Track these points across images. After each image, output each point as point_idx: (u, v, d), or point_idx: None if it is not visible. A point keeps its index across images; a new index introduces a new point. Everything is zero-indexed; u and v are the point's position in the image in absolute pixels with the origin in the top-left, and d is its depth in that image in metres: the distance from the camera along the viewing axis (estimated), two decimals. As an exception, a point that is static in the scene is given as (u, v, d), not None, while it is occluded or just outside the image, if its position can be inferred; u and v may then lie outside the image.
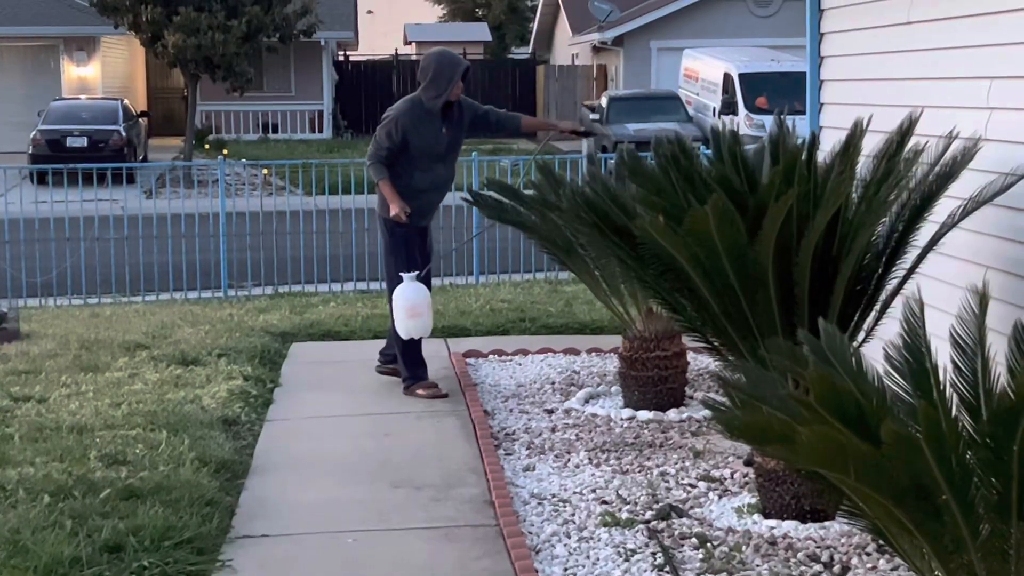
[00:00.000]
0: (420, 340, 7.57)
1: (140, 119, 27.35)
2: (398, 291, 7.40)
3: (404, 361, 7.59)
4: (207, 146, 28.64)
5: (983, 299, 3.85)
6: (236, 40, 24.44)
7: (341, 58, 38.11)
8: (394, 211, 7.38)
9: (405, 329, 7.40)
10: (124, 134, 24.52)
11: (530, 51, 45.04)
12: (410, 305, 7.36)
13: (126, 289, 12.10)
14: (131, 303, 11.55)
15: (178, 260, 12.42)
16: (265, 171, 19.31)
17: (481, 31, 45.91)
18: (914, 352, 3.68)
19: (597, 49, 35.61)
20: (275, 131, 34.34)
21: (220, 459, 6.08)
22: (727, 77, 26.44)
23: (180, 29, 24.05)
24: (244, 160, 19.47)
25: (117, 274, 12.20)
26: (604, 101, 28.12)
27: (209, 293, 12.09)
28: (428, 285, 7.63)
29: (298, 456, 6.46)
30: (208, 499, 5.49)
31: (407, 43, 46.67)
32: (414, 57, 41.73)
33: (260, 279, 12.39)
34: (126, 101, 26.98)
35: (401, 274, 7.38)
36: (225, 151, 25.46)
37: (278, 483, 6.00)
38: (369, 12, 55.17)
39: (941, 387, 3.54)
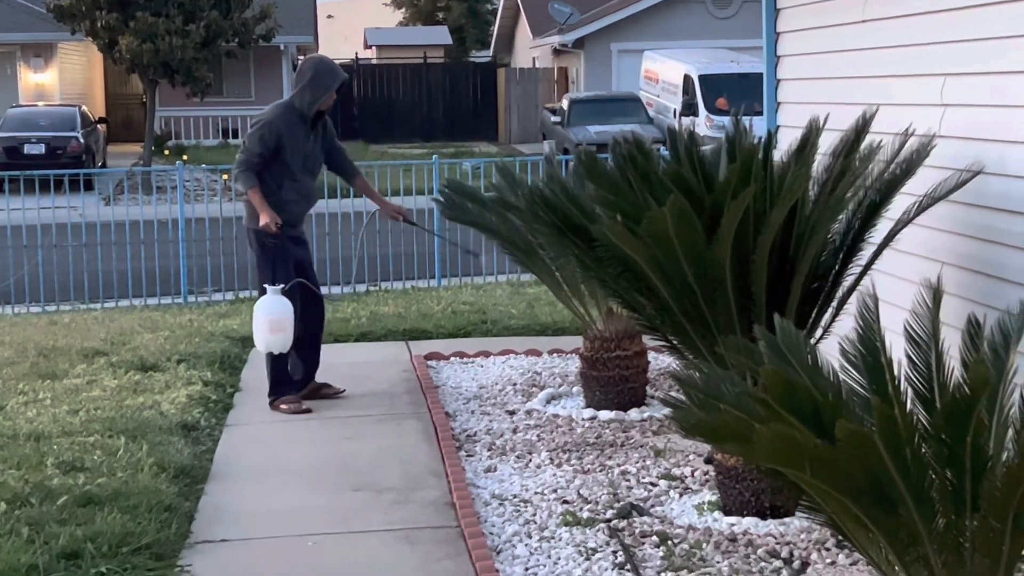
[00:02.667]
0: (288, 355, 7.31)
1: (98, 125, 27.15)
2: (260, 304, 7.19)
3: (271, 375, 7.36)
4: (167, 152, 28.46)
5: (937, 293, 3.88)
6: (194, 45, 24.31)
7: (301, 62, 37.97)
8: (263, 221, 7.13)
9: (265, 343, 7.18)
10: (82, 141, 24.33)
11: (491, 54, 45.06)
12: (272, 319, 7.11)
13: (85, 296, 12.00)
14: (90, 310, 11.46)
15: (137, 267, 12.33)
16: (225, 176, 19.19)
17: (441, 35, 45.86)
18: (869, 347, 3.71)
19: (558, 52, 35.67)
20: (235, 136, 34.10)
21: (179, 465, 6.05)
22: (687, 79, 26.53)
23: (137, 34, 23.91)
24: (204, 165, 19.36)
25: (76, 281, 12.10)
26: (565, 104, 28.16)
27: (169, 299, 12.01)
28: (319, 298, 7.47)
29: (258, 461, 6.43)
30: (167, 505, 5.46)
31: (367, 47, 46.59)
32: (374, 61, 41.69)
33: (220, 284, 12.31)
34: (84, 108, 26.78)
35: (265, 286, 7.19)
36: (185, 156, 25.31)
37: (238, 488, 5.97)
38: (329, 16, 55.07)
39: (896, 381, 3.56)
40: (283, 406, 7.28)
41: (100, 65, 34.69)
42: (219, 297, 11.99)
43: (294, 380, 7.41)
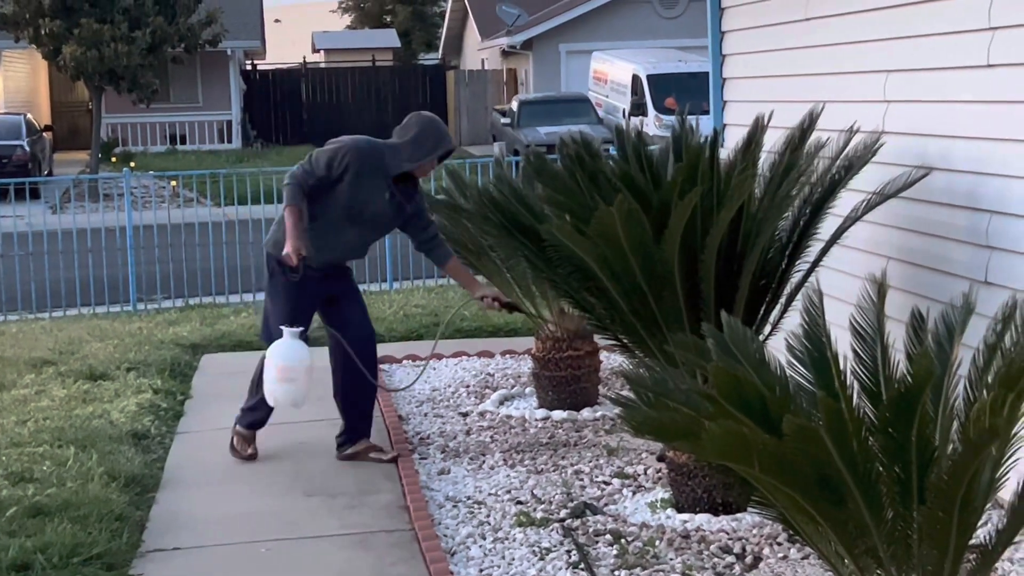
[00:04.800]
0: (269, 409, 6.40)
1: (44, 133, 26.89)
2: (274, 346, 6.14)
3: (245, 402, 6.50)
4: (114, 159, 28.24)
5: (881, 288, 3.92)
6: (140, 51, 24.14)
7: (249, 67, 37.80)
8: (289, 248, 5.95)
9: (272, 394, 6.18)
10: (28, 149, 24.07)
11: (439, 57, 45.04)
12: (284, 365, 6.09)
13: (32, 306, 11.88)
14: (38, 320, 11.34)
15: (85, 275, 12.22)
16: (173, 183, 19.09)
17: (389, 38, 45.81)
18: (815, 342, 3.73)
19: (506, 53, 35.71)
20: (183, 142, 33.96)
21: (129, 474, 6.00)
22: (635, 79, 26.64)
23: (81, 41, 23.70)
24: (152, 172, 19.22)
25: (23, 291, 11.98)
26: (514, 105, 28.21)
27: (118, 307, 11.91)
28: (368, 340, 6.38)
29: (210, 468, 6.38)
30: (118, 514, 5.42)
31: (315, 51, 46.46)
32: (322, 65, 41.54)
33: (170, 291, 12.23)
34: (29, 115, 26.50)
35: (281, 327, 6.12)
36: (132, 163, 25.13)
37: (189, 496, 5.94)
38: (276, 21, 54.85)
39: (842, 376, 3.59)
40: (234, 440, 6.49)
41: (45, 72, 34.38)
42: (168, 304, 11.90)
43: (259, 419, 6.49)
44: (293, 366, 6.09)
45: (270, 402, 6.26)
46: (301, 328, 6.13)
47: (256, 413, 6.47)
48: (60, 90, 35.45)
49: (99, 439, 6.52)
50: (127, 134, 33.40)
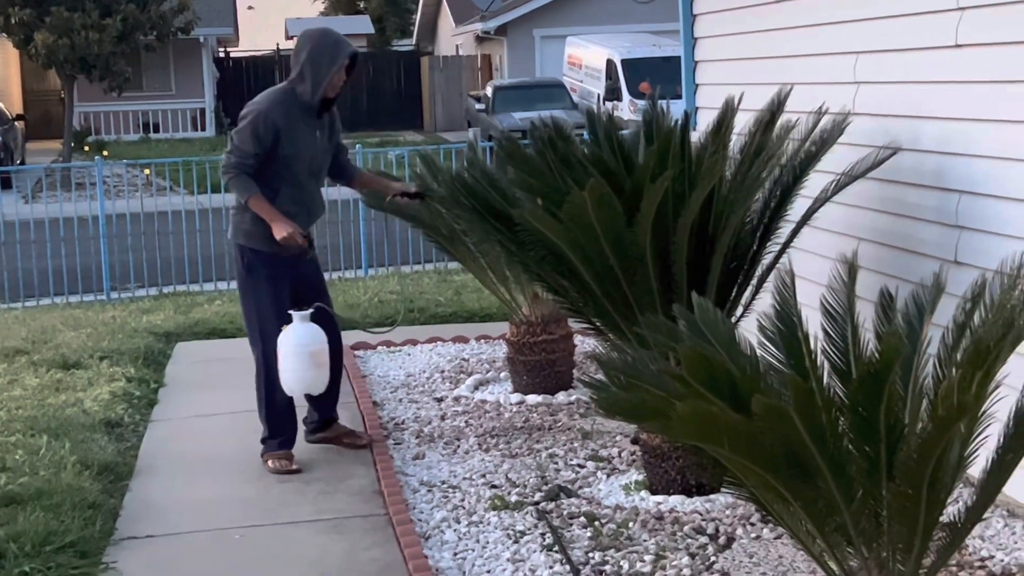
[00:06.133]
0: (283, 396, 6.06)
1: (16, 122, 26.71)
2: (290, 335, 5.86)
3: (266, 419, 6.12)
4: (87, 148, 28.09)
5: (852, 268, 3.94)
6: (112, 39, 24.02)
7: (222, 54, 37.65)
8: (283, 233, 5.75)
9: (306, 383, 5.95)
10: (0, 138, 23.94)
11: (414, 43, 44.95)
12: (316, 350, 5.88)
13: (5, 295, 11.82)
14: (11, 309, 11.28)
15: (58, 264, 12.15)
16: (147, 171, 18.99)
17: (363, 24, 45.66)
18: (786, 321, 3.75)
19: (481, 39, 35.65)
20: (156, 130, 33.81)
21: (103, 462, 5.98)
22: (610, 63, 26.64)
23: (52, 30, 23.56)
24: (125, 160, 19.11)
25: (-5, 280, 11.92)
26: (489, 91, 28.18)
27: (91, 296, 11.85)
28: (334, 324, 6.14)
29: (184, 455, 6.37)
30: (91, 502, 5.41)
31: (288, 38, 46.20)
32: (297, 52, 41.36)
33: (144, 280, 12.18)
34: (1, 105, 26.35)
35: (291, 312, 5.87)
36: (105, 152, 24.98)
37: (163, 483, 5.92)
38: (249, 8, 54.58)
39: (812, 355, 3.60)
40: (270, 463, 6.04)
41: (16, 61, 34.15)
42: (142, 293, 11.85)
43: (288, 430, 6.15)
44: (324, 348, 5.94)
45: (305, 391, 6.05)
46: (309, 310, 5.90)
47: (284, 433, 6.10)
48: (32, 79, 35.24)
49: (72, 428, 6.50)
50: (100, 123, 33.24)
